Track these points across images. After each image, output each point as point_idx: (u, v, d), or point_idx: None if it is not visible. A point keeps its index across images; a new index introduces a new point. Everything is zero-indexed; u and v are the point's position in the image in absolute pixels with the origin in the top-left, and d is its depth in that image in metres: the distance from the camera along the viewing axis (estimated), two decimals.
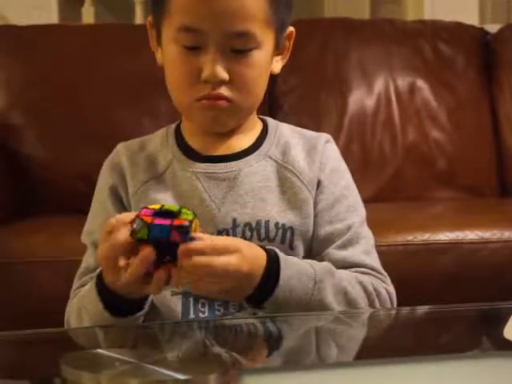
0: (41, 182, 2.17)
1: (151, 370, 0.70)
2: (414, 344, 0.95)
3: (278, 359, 0.92)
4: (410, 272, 1.76)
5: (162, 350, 0.88)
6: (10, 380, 0.81)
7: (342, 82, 2.40)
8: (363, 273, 1.11)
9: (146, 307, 1.04)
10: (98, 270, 1.05)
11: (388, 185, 2.33)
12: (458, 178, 2.37)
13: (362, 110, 2.37)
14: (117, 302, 1.01)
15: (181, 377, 0.68)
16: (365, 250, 1.14)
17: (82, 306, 1.08)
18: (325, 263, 1.09)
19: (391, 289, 1.13)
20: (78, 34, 2.41)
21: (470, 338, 0.99)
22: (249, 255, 0.99)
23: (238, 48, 1.07)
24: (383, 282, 1.13)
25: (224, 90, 1.08)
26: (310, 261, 1.09)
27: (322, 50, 2.43)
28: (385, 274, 1.14)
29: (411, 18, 3.27)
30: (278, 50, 1.14)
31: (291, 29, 1.16)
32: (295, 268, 1.04)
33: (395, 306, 1.13)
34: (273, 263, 1.03)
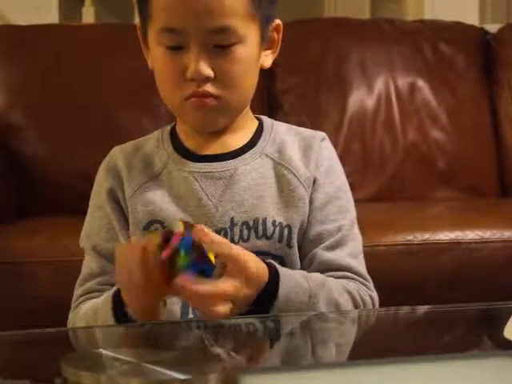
0: (41, 182, 2.17)
1: (151, 370, 0.70)
2: (413, 344, 0.94)
3: (278, 359, 0.92)
4: (410, 272, 1.76)
5: (162, 350, 0.88)
6: (9, 380, 0.81)
7: (342, 82, 2.40)
8: (348, 277, 1.11)
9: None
10: (114, 289, 1.05)
11: (388, 185, 2.33)
12: (458, 178, 2.37)
13: (362, 109, 2.37)
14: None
15: (181, 377, 0.68)
16: (352, 253, 1.13)
17: (93, 322, 1.07)
18: (317, 274, 1.09)
19: (374, 295, 1.13)
20: (77, 33, 2.41)
21: (470, 337, 0.99)
22: (254, 280, 0.99)
23: (220, 44, 1.07)
24: (367, 287, 1.13)
25: (210, 88, 1.08)
26: (302, 273, 1.09)
27: (322, 50, 2.43)
28: (369, 278, 1.14)
29: (411, 18, 3.26)
30: (264, 43, 1.14)
31: (278, 21, 1.15)
32: (293, 283, 1.04)
33: None
34: (273, 278, 1.03)
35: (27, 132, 2.20)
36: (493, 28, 2.62)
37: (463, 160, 2.39)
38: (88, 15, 3.47)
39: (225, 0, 1.06)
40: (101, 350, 0.77)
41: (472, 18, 3.01)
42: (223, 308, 0.96)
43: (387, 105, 2.39)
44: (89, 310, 1.09)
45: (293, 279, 1.05)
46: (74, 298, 1.14)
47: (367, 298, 1.11)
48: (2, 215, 2.02)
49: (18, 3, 3.15)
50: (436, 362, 0.82)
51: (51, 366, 0.73)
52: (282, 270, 1.05)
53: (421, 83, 2.42)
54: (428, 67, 2.45)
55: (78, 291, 1.14)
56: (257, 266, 1.01)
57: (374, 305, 1.12)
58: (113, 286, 1.10)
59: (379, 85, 2.40)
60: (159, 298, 0.98)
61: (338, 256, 1.12)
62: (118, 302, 1.03)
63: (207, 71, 1.07)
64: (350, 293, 1.09)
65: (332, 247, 1.12)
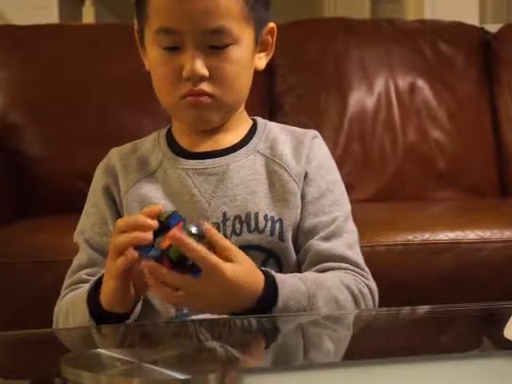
0: (41, 182, 2.17)
1: (151, 370, 0.70)
2: (413, 344, 0.95)
3: (279, 359, 0.92)
4: (410, 272, 1.76)
5: (161, 349, 0.88)
6: (9, 380, 0.81)
7: (342, 82, 2.40)
8: (345, 269, 1.12)
9: (132, 317, 1.04)
10: (94, 279, 1.06)
11: (388, 185, 2.32)
12: (458, 178, 2.37)
13: (362, 109, 2.37)
14: (104, 314, 1.02)
15: (181, 377, 0.68)
16: (347, 243, 1.15)
17: (71, 311, 1.09)
18: (313, 274, 1.10)
19: (373, 285, 1.14)
20: (78, 33, 2.41)
21: (470, 338, 0.99)
22: (234, 289, 0.99)
23: (214, 44, 1.10)
24: (365, 278, 1.13)
25: (205, 86, 1.11)
26: (299, 275, 1.09)
27: (322, 49, 2.43)
28: (366, 269, 1.15)
29: (411, 17, 3.27)
30: (258, 46, 1.17)
31: (272, 25, 1.18)
32: (290, 288, 1.05)
33: (377, 301, 1.14)
34: (270, 285, 1.03)
35: (27, 132, 2.20)
36: (493, 28, 2.62)
37: (463, 160, 2.39)
38: (88, 15, 3.47)
39: (220, 2, 1.09)
40: (101, 350, 0.77)
41: (472, 18, 3.01)
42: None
43: (387, 105, 2.39)
44: (70, 300, 1.11)
45: (290, 284, 1.05)
46: (62, 289, 1.16)
47: (365, 290, 1.12)
48: (2, 215, 2.02)
49: (18, 3, 3.16)
50: (436, 361, 0.82)
51: (51, 366, 0.73)
52: (279, 277, 1.05)
53: (421, 83, 2.42)
54: (428, 67, 2.45)
55: (66, 282, 1.16)
56: (248, 263, 1.01)
57: (372, 295, 1.13)
58: None
59: (379, 85, 2.40)
60: (139, 290, 1.00)
61: (334, 246, 1.13)
62: (95, 290, 1.04)
63: (203, 70, 1.10)
64: (348, 287, 1.10)
65: (327, 238, 1.13)
